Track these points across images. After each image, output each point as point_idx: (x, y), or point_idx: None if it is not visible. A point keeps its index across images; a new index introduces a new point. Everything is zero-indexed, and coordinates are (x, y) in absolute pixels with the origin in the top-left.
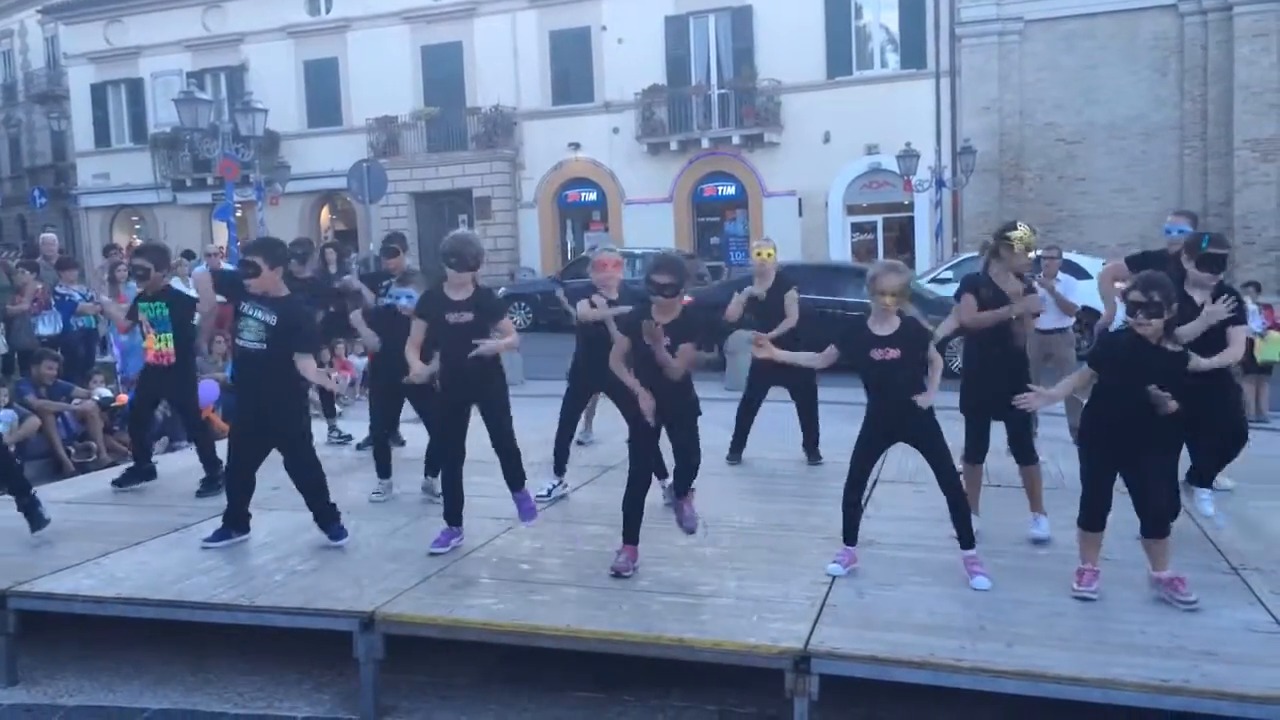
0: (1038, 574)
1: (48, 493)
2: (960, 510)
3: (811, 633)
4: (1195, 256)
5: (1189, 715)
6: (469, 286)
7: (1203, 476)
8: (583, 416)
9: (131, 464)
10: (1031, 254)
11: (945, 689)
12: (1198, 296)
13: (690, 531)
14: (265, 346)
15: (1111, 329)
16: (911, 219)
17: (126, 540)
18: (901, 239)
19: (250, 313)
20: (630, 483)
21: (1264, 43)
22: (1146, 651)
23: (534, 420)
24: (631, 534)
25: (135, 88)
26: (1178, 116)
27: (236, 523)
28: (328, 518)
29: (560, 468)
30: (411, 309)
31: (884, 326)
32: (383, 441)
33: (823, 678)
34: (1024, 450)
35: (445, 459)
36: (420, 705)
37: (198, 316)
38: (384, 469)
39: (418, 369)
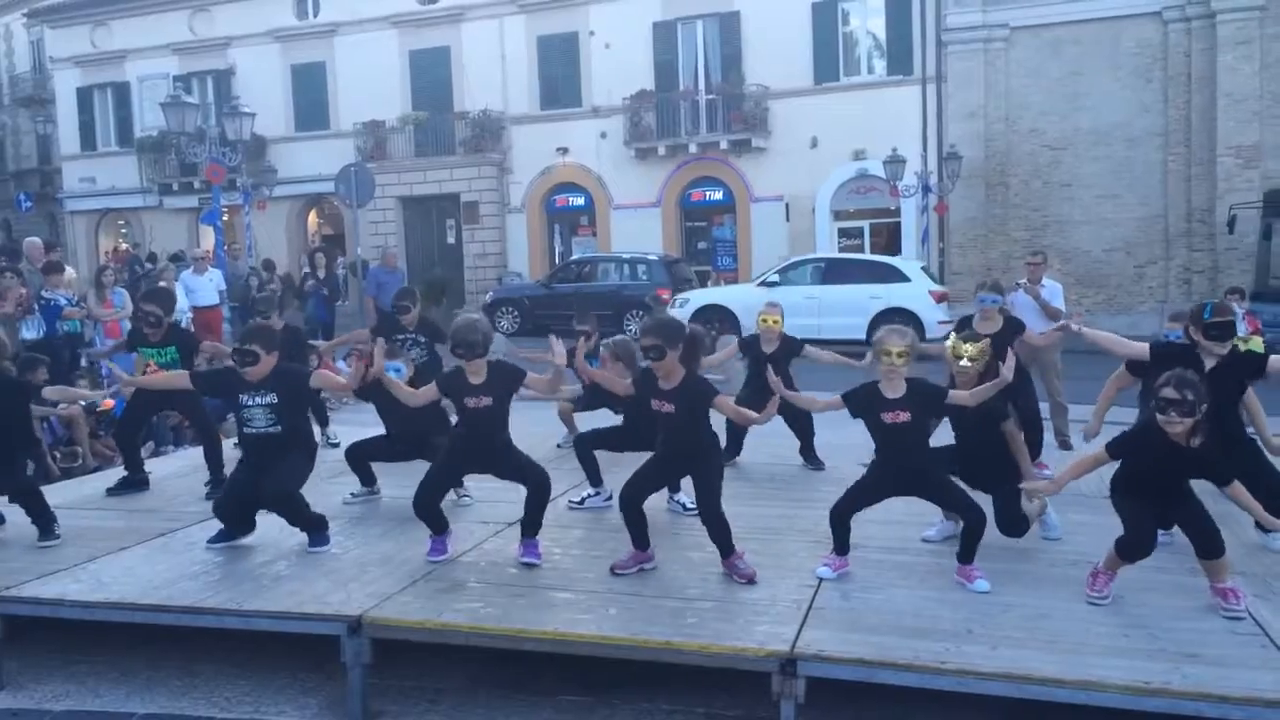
0: (1023, 577)
1: None
2: (974, 535)
3: (798, 635)
4: (1201, 327)
5: (1171, 717)
6: (484, 370)
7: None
8: (569, 421)
9: (125, 473)
10: (964, 362)
11: (931, 691)
12: (1208, 363)
13: (749, 580)
14: (279, 428)
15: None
16: (898, 224)
17: (113, 545)
18: (888, 244)
19: (249, 403)
20: (626, 487)
21: (1246, 50)
22: (1130, 654)
23: (525, 426)
24: (638, 539)
25: (121, 91)
26: (1162, 123)
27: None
28: (313, 528)
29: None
30: (403, 381)
31: (893, 389)
32: (364, 460)
33: (809, 680)
34: (1013, 523)
35: (426, 490)
36: (408, 709)
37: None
38: (366, 479)
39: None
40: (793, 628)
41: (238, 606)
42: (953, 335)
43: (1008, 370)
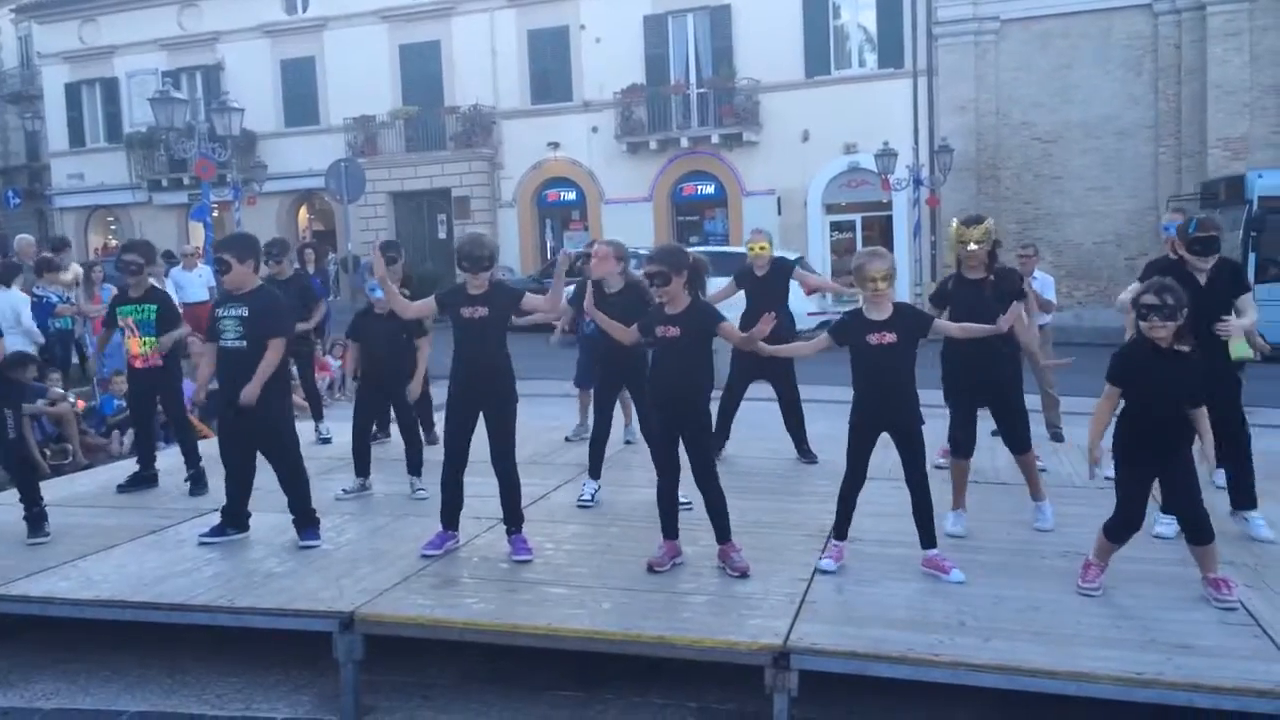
0: (1015, 569)
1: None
2: (924, 510)
3: (791, 629)
4: (1185, 242)
5: (1164, 708)
6: (485, 285)
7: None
8: (579, 413)
9: (136, 468)
10: (971, 246)
11: (923, 683)
12: (1201, 277)
13: (741, 573)
14: (245, 343)
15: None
16: (890, 217)
17: (103, 542)
18: (881, 237)
19: (224, 314)
20: (659, 478)
21: (1236, 42)
22: (1122, 645)
23: (525, 420)
24: (667, 528)
25: (110, 87)
26: (1152, 115)
27: (234, 520)
28: (305, 520)
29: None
30: (382, 300)
31: (879, 312)
32: (363, 440)
33: (802, 673)
34: (1018, 439)
35: (446, 460)
36: (401, 705)
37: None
38: (362, 468)
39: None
40: (785, 621)
41: (229, 603)
42: (955, 221)
43: (1005, 321)
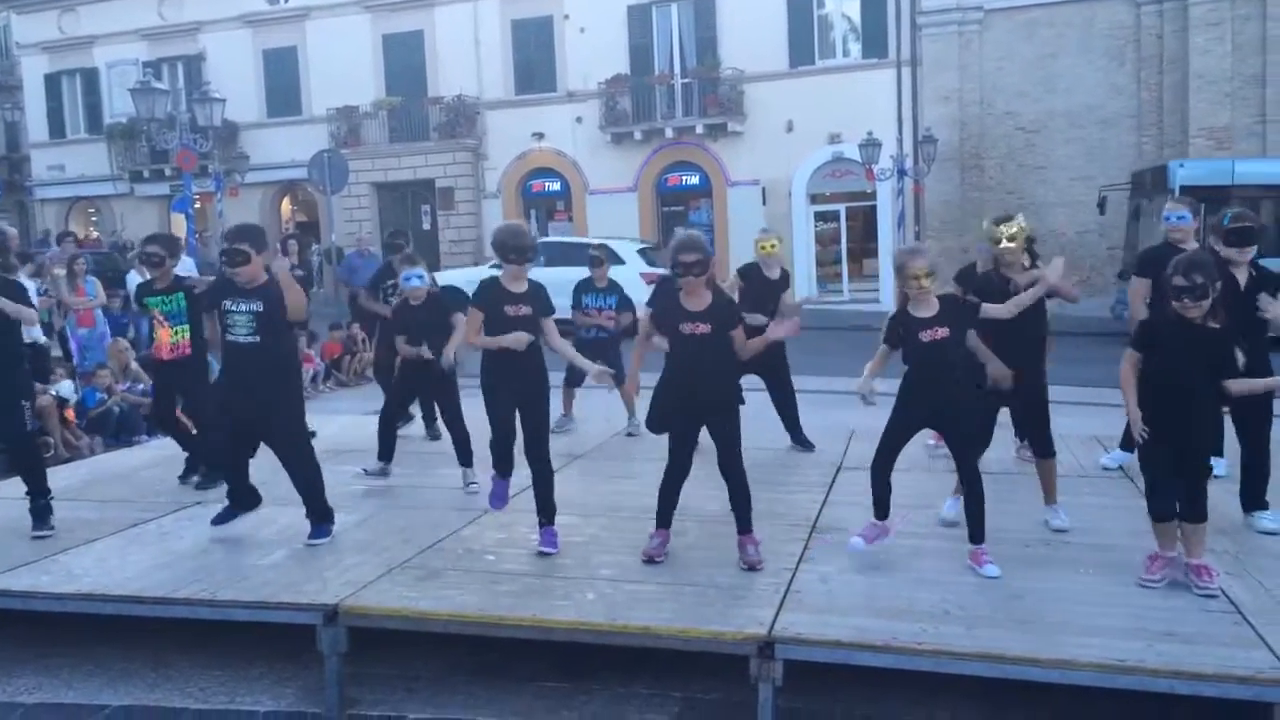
0: (999, 558)
1: (5, 489)
2: (975, 503)
3: (775, 619)
4: (1221, 234)
5: (1146, 694)
6: (524, 280)
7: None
8: (563, 405)
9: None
10: (1003, 245)
11: (908, 672)
12: (1240, 276)
13: (751, 567)
14: (258, 338)
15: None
16: (874, 208)
17: (85, 536)
18: (865, 228)
19: (235, 308)
20: (668, 470)
21: (1218, 32)
22: (1105, 632)
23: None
24: (664, 519)
25: (90, 78)
26: (1135, 105)
27: (241, 501)
28: (320, 516)
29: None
30: (424, 289)
31: (925, 309)
32: (390, 424)
33: (787, 663)
34: (1042, 442)
35: (498, 437)
36: (386, 698)
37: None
38: (386, 452)
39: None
40: (770, 611)
41: (211, 597)
42: (985, 222)
43: (1052, 273)
